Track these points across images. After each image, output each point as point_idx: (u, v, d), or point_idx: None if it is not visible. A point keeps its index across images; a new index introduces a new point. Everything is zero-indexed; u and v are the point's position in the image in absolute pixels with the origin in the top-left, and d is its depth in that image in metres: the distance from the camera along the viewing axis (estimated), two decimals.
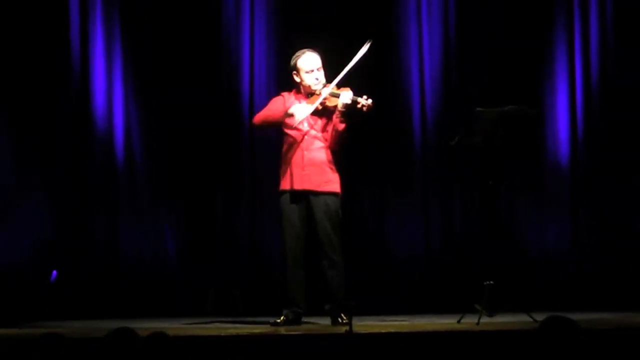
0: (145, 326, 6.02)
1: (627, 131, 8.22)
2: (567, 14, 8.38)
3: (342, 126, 6.58)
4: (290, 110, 6.61)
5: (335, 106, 6.57)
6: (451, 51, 8.45)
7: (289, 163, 6.66)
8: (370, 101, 6.49)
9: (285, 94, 6.78)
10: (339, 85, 6.59)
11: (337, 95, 6.55)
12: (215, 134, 8.43)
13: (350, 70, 6.54)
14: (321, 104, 6.57)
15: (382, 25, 8.25)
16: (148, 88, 8.42)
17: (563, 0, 8.39)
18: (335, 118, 6.58)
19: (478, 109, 6.66)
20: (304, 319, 6.74)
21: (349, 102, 6.51)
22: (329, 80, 6.64)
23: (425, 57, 8.44)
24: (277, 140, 7.71)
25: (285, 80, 7.96)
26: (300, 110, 6.59)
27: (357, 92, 6.53)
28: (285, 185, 6.69)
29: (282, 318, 6.65)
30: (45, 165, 8.24)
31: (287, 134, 6.68)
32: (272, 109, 6.76)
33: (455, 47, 8.44)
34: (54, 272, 8.03)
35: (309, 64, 6.65)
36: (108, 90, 8.38)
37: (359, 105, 6.49)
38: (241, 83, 8.45)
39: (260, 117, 6.82)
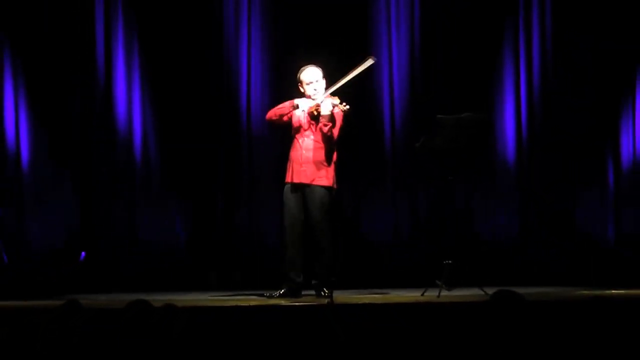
0: (159, 298, 5.99)
1: (564, 135, 8.24)
2: (513, 35, 8.38)
3: (326, 127, 6.65)
4: (296, 102, 6.78)
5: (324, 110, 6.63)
6: (416, 67, 8.44)
7: (291, 160, 6.79)
8: (347, 107, 6.57)
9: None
10: (333, 95, 6.68)
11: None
12: (217, 137, 8.40)
13: (346, 82, 6.65)
14: (316, 110, 6.66)
15: (358, 43, 8.24)
16: (162, 98, 8.38)
17: (510, 22, 8.39)
18: (326, 121, 6.65)
19: (439, 116, 6.67)
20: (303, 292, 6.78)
21: (332, 107, 6.60)
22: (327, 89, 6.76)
23: (394, 72, 8.43)
24: (272, 141, 7.79)
25: (276, 86, 8.03)
26: (304, 102, 6.77)
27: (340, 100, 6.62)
28: (287, 178, 6.80)
29: (281, 291, 6.68)
30: (74, 162, 8.22)
31: (293, 137, 6.79)
32: (281, 105, 6.86)
33: (420, 63, 8.44)
34: (83, 253, 8.02)
35: (309, 77, 6.79)
36: (128, 99, 8.34)
37: (337, 110, 6.59)
38: (239, 92, 8.42)
39: (272, 111, 6.91)
